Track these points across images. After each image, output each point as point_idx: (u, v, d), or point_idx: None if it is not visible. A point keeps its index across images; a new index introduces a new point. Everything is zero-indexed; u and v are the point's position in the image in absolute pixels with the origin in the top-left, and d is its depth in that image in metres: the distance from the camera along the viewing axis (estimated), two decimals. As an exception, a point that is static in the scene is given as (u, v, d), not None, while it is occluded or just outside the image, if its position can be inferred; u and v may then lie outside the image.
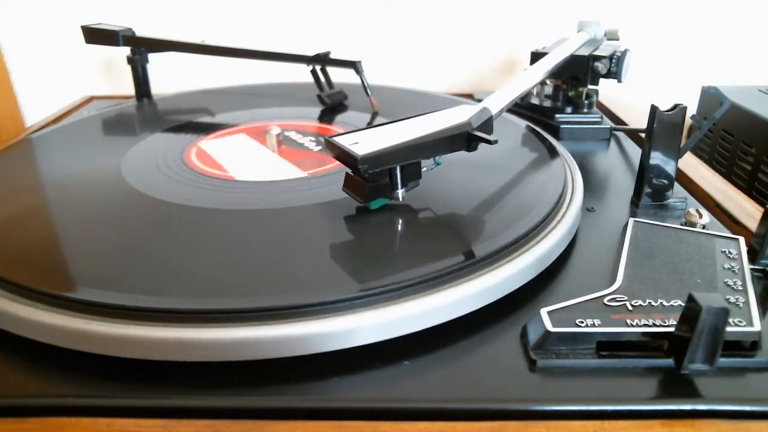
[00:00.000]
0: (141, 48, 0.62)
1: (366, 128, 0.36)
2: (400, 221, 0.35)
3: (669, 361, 0.26)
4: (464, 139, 0.35)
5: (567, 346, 0.26)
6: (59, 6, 0.72)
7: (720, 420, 0.24)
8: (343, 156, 0.33)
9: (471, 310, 0.29)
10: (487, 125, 0.36)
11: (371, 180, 0.34)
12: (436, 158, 0.36)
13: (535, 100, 0.61)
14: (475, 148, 0.36)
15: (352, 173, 0.35)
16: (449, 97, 0.63)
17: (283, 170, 0.43)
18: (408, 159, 0.34)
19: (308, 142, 0.49)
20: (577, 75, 0.55)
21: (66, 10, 0.72)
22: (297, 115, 0.57)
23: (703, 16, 0.74)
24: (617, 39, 0.62)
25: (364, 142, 0.33)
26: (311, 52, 0.59)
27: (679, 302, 0.28)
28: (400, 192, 0.35)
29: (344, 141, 0.34)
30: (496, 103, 0.39)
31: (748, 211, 0.40)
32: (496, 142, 0.34)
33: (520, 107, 0.61)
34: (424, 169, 0.36)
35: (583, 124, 0.57)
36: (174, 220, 0.35)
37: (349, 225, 0.35)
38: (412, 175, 0.35)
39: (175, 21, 0.73)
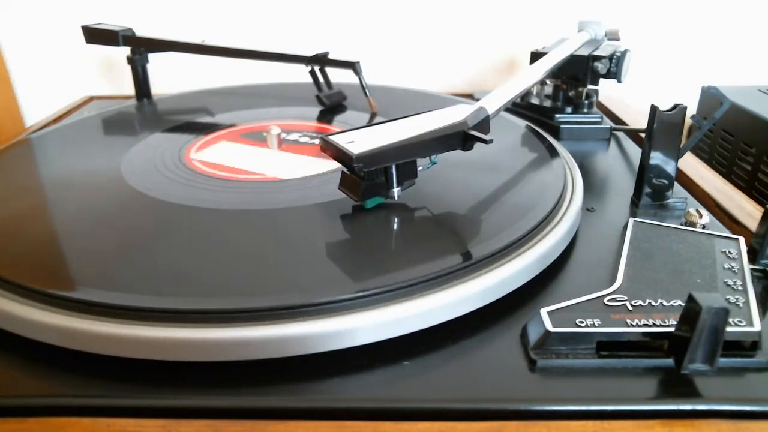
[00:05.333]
0: (141, 48, 0.62)
1: (362, 127, 0.36)
2: (401, 221, 0.35)
3: (669, 361, 0.26)
4: (460, 138, 0.35)
5: (567, 346, 0.26)
6: (59, 6, 0.72)
7: (720, 420, 0.24)
8: (339, 155, 0.33)
9: (471, 310, 0.29)
10: (484, 125, 0.36)
11: (367, 179, 0.34)
12: (433, 157, 0.36)
13: (535, 100, 0.61)
14: (470, 148, 0.36)
15: (348, 172, 0.35)
16: (448, 97, 0.63)
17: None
18: (403, 158, 0.34)
19: (307, 142, 0.49)
20: (577, 75, 0.55)
21: (66, 10, 0.72)
22: (297, 115, 0.57)
23: (703, 16, 0.74)
24: (617, 39, 0.62)
25: (359, 141, 0.33)
26: (310, 53, 0.59)
27: (679, 302, 0.28)
28: (396, 191, 0.35)
29: (340, 140, 0.34)
30: (493, 102, 0.39)
31: (748, 211, 0.40)
32: (491, 141, 0.34)
33: (520, 107, 0.61)
34: (420, 168, 0.36)
35: (583, 124, 0.57)
36: (174, 220, 0.35)
37: (349, 225, 0.35)
38: (408, 174, 0.35)
39: (175, 21, 0.73)
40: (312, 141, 0.49)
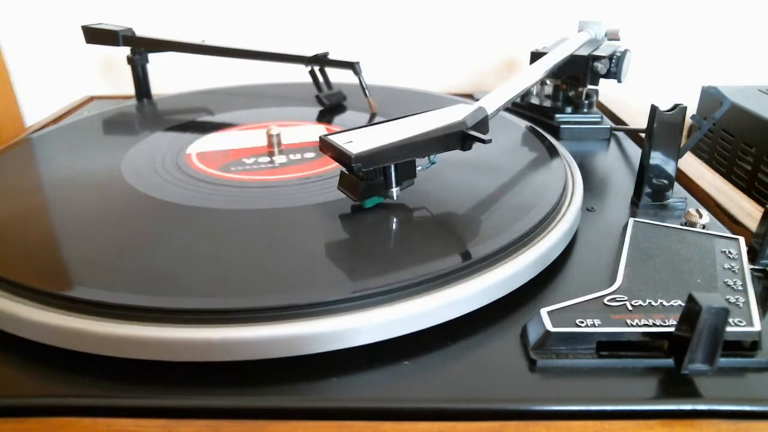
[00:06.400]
0: (141, 48, 0.62)
1: (361, 127, 0.36)
2: (401, 221, 0.35)
3: (669, 361, 0.26)
4: (459, 138, 0.35)
5: (567, 346, 0.26)
6: (59, 6, 0.72)
7: (720, 420, 0.24)
8: (338, 154, 0.33)
9: (471, 309, 0.29)
10: (483, 124, 0.37)
11: (366, 178, 0.34)
12: (432, 157, 0.36)
13: (535, 100, 0.61)
14: (469, 148, 0.36)
15: (347, 172, 0.35)
16: (448, 97, 0.63)
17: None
18: (402, 158, 0.34)
19: (307, 142, 0.49)
20: (577, 75, 0.55)
21: (66, 10, 0.72)
22: (296, 115, 0.57)
23: (703, 16, 0.74)
24: (618, 39, 0.62)
25: (358, 141, 0.33)
26: (310, 53, 0.59)
27: (679, 302, 0.28)
28: (395, 191, 0.35)
29: (339, 140, 0.34)
30: (492, 102, 0.39)
31: (748, 211, 0.40)
32: (490, 141, 0.34)
33: (520, 107, 0.61)
34: (419, 168, 0.36)
35: (583, 124, 0.57)
36: (174, 220, 0.35)
37: (349, 225, 0.35)
38: (407, 173, 0.35)
39: (175, 21, 0.73)
40: (312, 142, 0.49)
